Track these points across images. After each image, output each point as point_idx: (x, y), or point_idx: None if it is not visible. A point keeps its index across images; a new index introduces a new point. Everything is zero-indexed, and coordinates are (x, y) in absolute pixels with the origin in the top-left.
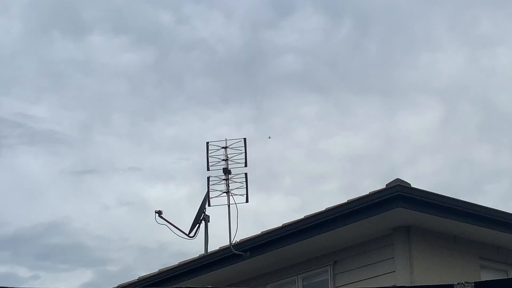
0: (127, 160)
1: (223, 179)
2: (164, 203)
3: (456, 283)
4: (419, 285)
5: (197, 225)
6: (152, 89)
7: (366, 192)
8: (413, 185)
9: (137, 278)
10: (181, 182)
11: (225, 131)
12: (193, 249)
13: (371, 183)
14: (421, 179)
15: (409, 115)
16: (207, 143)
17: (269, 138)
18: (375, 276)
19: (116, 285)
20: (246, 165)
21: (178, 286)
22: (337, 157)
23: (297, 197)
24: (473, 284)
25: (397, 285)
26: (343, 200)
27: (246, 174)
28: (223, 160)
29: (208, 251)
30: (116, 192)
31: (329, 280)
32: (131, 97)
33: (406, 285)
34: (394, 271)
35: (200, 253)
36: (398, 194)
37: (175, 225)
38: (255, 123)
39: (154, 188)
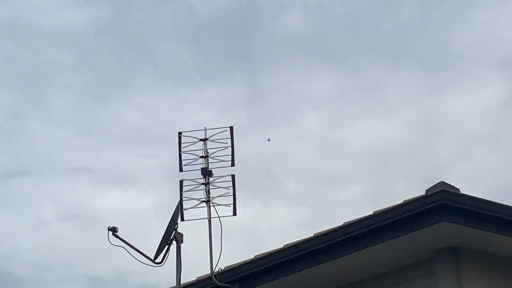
0: (72, 158)
1: (202, 184)
2: (121, 216)
3: None
4: None
5: (166, 247)
6: (106, 59)
7: (400, 201)
8: (463, 191)
9: None
10: (145, 188)
11: (207, 117)
12: (161, 279)
13: (407, 187)
14: (476, 182)
15: (459, 94)
16: (180, 133)
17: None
18: None
19: None
20: (233, 164)
21: None
22: (360, 152)
23: (305, 207)
24: None
25: None
26: (368, 211)
27: (233, 176)
28: (201, 157)
29: (182, 282)
30: (56, 201)
31: None
32: (76, 70)
33: None
34: None
35: (170, 286)
36: (443, 203)
37: (136, 247)
38: (247, 106)
39: (108, 195)
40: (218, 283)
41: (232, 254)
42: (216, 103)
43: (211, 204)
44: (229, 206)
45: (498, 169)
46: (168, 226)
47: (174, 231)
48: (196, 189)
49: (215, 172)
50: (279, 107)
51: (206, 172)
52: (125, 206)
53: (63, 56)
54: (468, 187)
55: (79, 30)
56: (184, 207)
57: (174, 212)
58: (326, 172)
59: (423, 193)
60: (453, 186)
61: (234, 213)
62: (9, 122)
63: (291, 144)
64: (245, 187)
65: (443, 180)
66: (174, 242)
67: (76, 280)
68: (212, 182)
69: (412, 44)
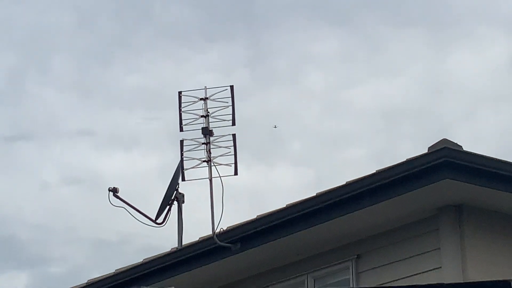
0: (74, 121)
1: (203, 143)
2: (125, 179)
3: None
4: (465, 282)
5: (167, 207)
6: (108, 21)
7: (403, 160)
8: (467, 149)
9: (86, 281)
10: (148, 150)
11: (210, 79)
12: (165, 242)
13: (412, 147)
14: (482, 141)
15: (465, 53)
16: (180, 92)
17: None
18: (414, 275)
19: None
20: (234, 123)
21: None
22: (365, 113)
23: (310, 168)
24: None
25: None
26: (373, 171)
27: (234, 135)
28: (201, 116)
29: (183, 243)
30: (59, 165)
31: (351, 280)
32: (78, 33)
33: (445, 283)
34: (440, 267)
35: (172, 247)
36: (445, 160)
37: (137, 207)
38: (251, 68)
39: (111, 158)
40: (220, 243)
41: (236, 216)
42: (219, 64)
43: (212, 164)
44: (230, 166)
45: (504, 128)
46: (169, 186)
47: (175, 192)
48: (196, 149)
49: (216, 132)
50: (283, 68)
51: (207, 132)
52: (128, 169)
53: (64, 19)
54: (474, 147)
55: None
56: (185, 167)
57: (175, 172)
58: (331, 133)
59: (426, 151)
60: (456, 143)
61: (236, 173)
62: (9, 85)
63: (296, 105)
64: (249, 149)
65: (445, 137)
66: (175, 202)
67: (81, 243)
68: (213, 142)
69: (417, 2)
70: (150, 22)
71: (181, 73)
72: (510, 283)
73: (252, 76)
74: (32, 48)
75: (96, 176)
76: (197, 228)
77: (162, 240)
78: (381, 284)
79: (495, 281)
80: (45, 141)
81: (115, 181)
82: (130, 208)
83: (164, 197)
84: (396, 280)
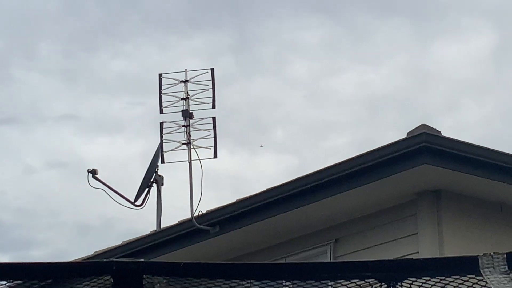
0: (59, 106)
1: (182, 126)
2: (108, 163)
3: (482, 253)
4: (434, 257)
5: (146, 189)
6: (94, 7)
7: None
8: (448, 136)
9: None
10: (132, 135)
11: (194, 65)
12: (150, 226)
13: (395, 135)
14: (464, 130)
15: (448, 43)
16: (160, 75)
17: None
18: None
19: None
20: (214, 106)
21: None
22: (349, 101)
23: (293, 155)
24: (504, 256)
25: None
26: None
27: (214, 118)
28: (182, 99)
29: (162, 226)
30: (43, 149)
31: None
32: (64, 18)
33: (415, 258)
34: (418, 252)
35: (152, 230)
36: (424, 145)
37: (116, 189)
38: (235, 55)
39: (95, 143)
40: (198, 225)
41: (218, 202)
42: (205, 51)
43: (191, 147)
44: (210, 149)
45: (486, 117)
46: (148, 168)
47: (154, 174)
48: (176, 131)
49: (196, 114)
50: (268, 56)
51: (187, 114)
52: (111, 154)
53: (50, 4)
54: (457, 136)
55: None
56: (164, 150)
57: (155, 154)
58: (314, 121)
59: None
60: (435, 129)
61: (215, 156)
62: None
63: (280, 92)
64: (232, 135)
65: (424, 123)
66: (154, 185)
67: (63, 227)
68: (193, 125)
69: None
70: (136, 8)
71: (166, 59)
72: (478, 259)
73: (236, 63)
74: (18, 32)
75: (80, 161)
76: (177, 211)
77: (145, 225)
78: None
79: (465, 257)
80: (29, 125)
81: (98, 165)
82: (110, 190)
83: (143, 180)
84: None
